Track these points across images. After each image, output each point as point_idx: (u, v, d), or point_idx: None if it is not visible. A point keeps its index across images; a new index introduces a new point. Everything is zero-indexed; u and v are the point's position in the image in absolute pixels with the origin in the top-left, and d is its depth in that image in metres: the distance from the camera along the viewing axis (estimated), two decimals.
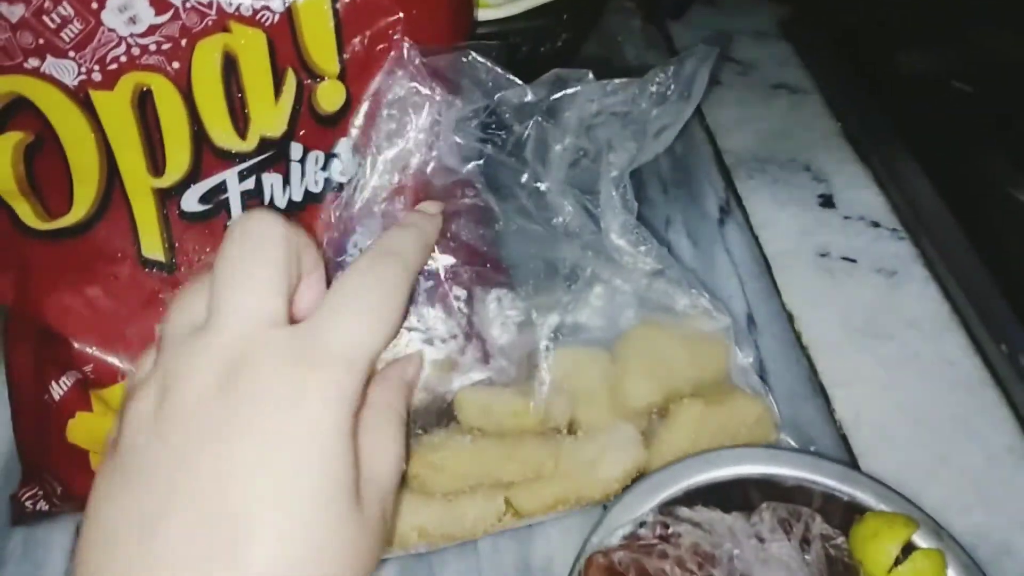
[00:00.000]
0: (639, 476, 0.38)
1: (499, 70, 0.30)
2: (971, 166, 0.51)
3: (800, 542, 0.31)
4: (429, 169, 0.32)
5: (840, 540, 0.32)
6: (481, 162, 0.32)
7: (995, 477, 0.38)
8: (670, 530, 0.31)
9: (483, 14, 0.43)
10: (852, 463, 0.39)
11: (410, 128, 0.32)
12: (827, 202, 0.49)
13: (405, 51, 0.30)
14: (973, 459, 0.39)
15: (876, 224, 0.48)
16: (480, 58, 0.30)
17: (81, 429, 0.33)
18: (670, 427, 0.37)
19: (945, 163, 0.50)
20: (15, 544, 0.37)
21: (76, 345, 0.31)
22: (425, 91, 0.30)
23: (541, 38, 0.45)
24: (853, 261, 0.46)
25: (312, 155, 0.32)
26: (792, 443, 0.38)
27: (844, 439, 0.39)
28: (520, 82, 0.31)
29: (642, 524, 0.33)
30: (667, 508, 0.33)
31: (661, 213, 0.49)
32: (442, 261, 0.34)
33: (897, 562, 0.31)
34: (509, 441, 0.36)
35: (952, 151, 0.51)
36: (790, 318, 0.44)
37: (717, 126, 0.53)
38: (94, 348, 0.32)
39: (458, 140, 0.31)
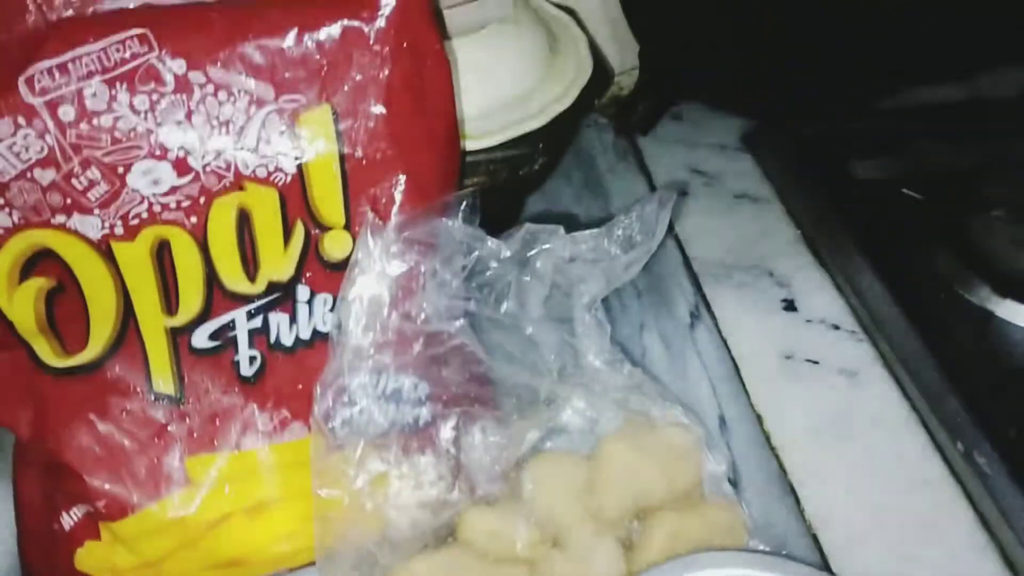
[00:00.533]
0: None
1: (473, 229, 0.34)
2: (923, 268, 0.55)
3: None
4: (412, 325, 0.35)
5: None
6: (464, 318, 0.35)
7: (957, 573, 0.40)
8: None
9: (465, 144, 0.47)
10: (823, 564, 0.41)
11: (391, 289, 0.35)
12: (790, 306, 0.53)
13: (379, 224, 0.34)
14: (937, 556, 0.41)
15: (836, 327, 0.51)
16: (456, 220, 0.33)
17: (90, 558, 0.34)
18: (645, 541, 0.39)
19: (898, 266, 0.54)
20: None
21: (88, 480, 0.33)
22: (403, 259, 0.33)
23: (519, 164, 0.49)
24: (816, 363, 0.49)
25: (320, 297, 0.35)
26: (763, 547, 0.40)
27: (815, 539, 0.42)
28: (494, 241, 0.34)
29: None
30: None
31: (635, 319, 0.52)
32: (433, 409, 0.37)
33: None
34: (491, 571, 0.38)
35: (904, 254, 0.55)
36: (759, 419, 0.46)
37: (685, 235, 0.57)
38: (106, 483, 0.34)
39: (443, 297, 0.34)
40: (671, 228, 0.58)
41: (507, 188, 0.49)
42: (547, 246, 0.33)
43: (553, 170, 0.53)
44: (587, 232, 0.34)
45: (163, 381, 0.34)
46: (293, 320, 0.35)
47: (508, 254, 0.34)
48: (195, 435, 0.34)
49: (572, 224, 0.39)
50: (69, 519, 0.34)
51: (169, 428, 0.34)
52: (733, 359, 0.50)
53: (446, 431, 0.36)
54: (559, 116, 0.49)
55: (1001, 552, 0.41)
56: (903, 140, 0.64)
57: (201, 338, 0.34)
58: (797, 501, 0.43)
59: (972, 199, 0.57)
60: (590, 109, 0.55)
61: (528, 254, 0.34)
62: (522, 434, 0.39)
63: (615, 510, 0.39)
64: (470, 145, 0.46)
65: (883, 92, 0.67)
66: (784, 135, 0.65)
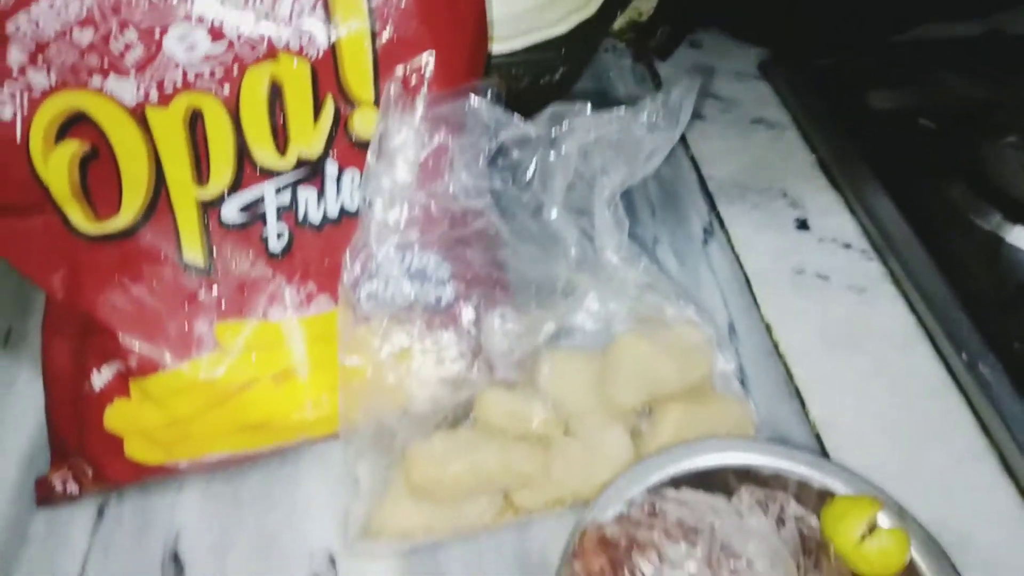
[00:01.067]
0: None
1: (501, 110, 0.34)
2: (935, 194, 0.55)
3: (776, 520, 0.34)
4: (439, 203, 0.36)
5: (812, 521, 0.35)
6: (489, 196, 0.35)
7: (957, 475, 0.42)
8: (657, 508, 0.34)
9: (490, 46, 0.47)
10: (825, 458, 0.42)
11: (420, 164, 0.35)
12: (802, 225, 0.53)
13: (408, 101, 0.34)
14: (937, 459, 0.42)
15: (848, 246, 0.52)
16: (483, 101, 0.34)
17: (118, 415, 0.35)
18: (655, 428, 0.40)
19: (912, 192, 0.54)
20: (39, 525, 0.39)
21: (121, 337, 0.35)
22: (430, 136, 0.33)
23: (541, 71, 0.49)
24: (826, 279, 0.50)
25: (348, 173, 0.35)
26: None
27: (818, 438, 0.43)
28: (520, 120, 0.35)
29: (631, 504, 0.36)
30: (654, 490, 0.36)
31: (650, 233, 0.53)
32: (455, 289, 0.38)
33: (864, 540, 0.34)
34: (503, 450, 0.39)
35: (918, 181, 0.55)
36: (768, 329, 0.47)
37: (701, 156, 0.58)
38: (137, 340, 0.35)
39: (469, 176, 0.35)
40: (687, 148, 0.58)
41: (527, 97, 0.50)
42: (573, 124, 0.34)
43: (573, 83, 0.53)
44: (613, 112, 0.34)
45: (193, 252, 0.35)
46: (321, 196, 0.35)
47: (534, 134, 0.34)
48: (224, 304, 0.35)
49: None
50: (99, 378, 0.35)
51: (199, 295, 0.35)
52: (745, 274, 0.50)
53: (467, 312, 0.37)
54: (581, 25, 0.49)
55: (1000, 457, 0.42)
56: (919, 72, 0.64)
57: (231, 211, 0.35)
58: (803, 405, 0.44)
59: (985, 129, 0.58)
60: (611, 23, 0.55)
61: (554, 133, 0.34)
62: (539, 324, 0.40)
63: (627, 399, 0.40)
64: (494, 48, 0.47)
65: (900, 27, 0.67)
66: (802, 65, 0.65)
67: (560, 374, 0.40)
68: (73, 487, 0.37)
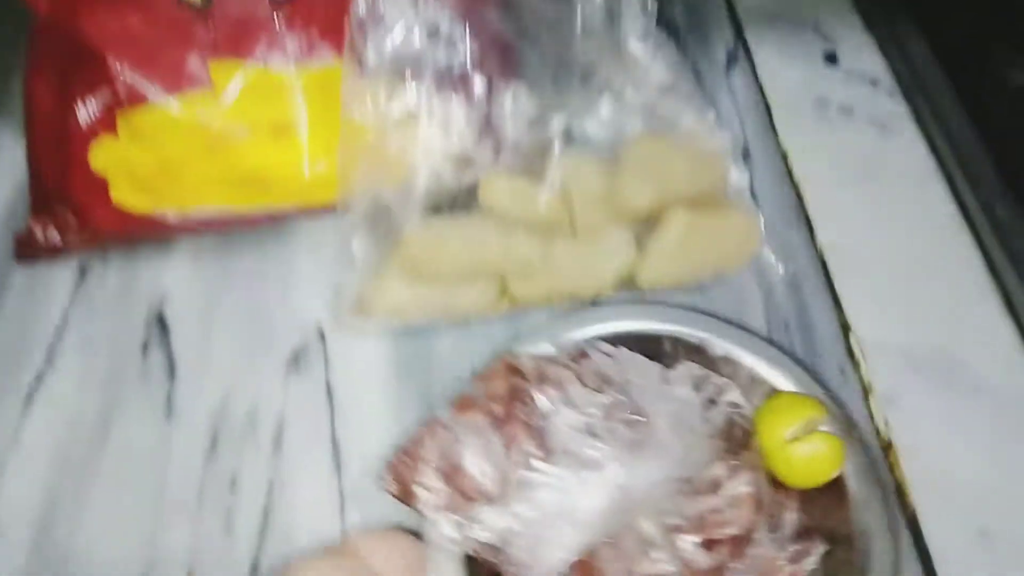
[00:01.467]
0: (629, 279, 0.40)
1: None
2: (973, 45, 0.53)
3: (707, 400, 0.33)
4: None
5: (748, 411, 0.34)
6: None
7: (958, 305, 0.41)
8: (584, 355, 0.33)
9: None
10: (828, 284, 0.41)
11: None
12: (831, 59, 0.51)
13: None
14: (940, 289, 0.42)
15: (875, 82, 0.50)
16: None
17: (105, 154, 0.33)
18: (661, 231, 0.39)
19: (949, 40, 0.51)
20: (18, 278, 0.38)
21: (111, 61, 0.32)
22: None
23: None
24: (849, 113, 0.48)
25: None
26: (773, 258, 0.40)
27: (822, 263, 0.42)
28: None
29: (562, 346, 0.35)
30: (592, 341, 0.35)
31: None
32: (469, 45, 0.35)
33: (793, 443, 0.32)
34: (504, 235, 0.37)
35: (955, 28, 0.52)
36: (784, 156, 0.46)
37: None
38: (128, 67, 0.32)
39: None
40: None
41: None
42: None
43: None
44: None
45: None
46: None
47: None
48: (220, 40, 0.32)
49: None
50: (85, 112, 0.33)
51: (195, 28, 0.32)
52: (766, 101, 0.48)
53: (480, 82, 0.35)
54: None
55: (1004, 296, 0.41)
56: None
57: None
58: (811, 230, 0.43)
59: None
60: None
61: None
62: (551, 112, 0.38)
63: (637, 198, 0.38)
64: None
65: None
66: None
67: (569, 173, 0.38)
68: (55, 236, 0.35)
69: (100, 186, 0.34)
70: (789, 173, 0.45)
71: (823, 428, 0.32)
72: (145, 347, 0.37)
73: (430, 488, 0.30)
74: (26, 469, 0.33)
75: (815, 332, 0.40)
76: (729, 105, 0.48)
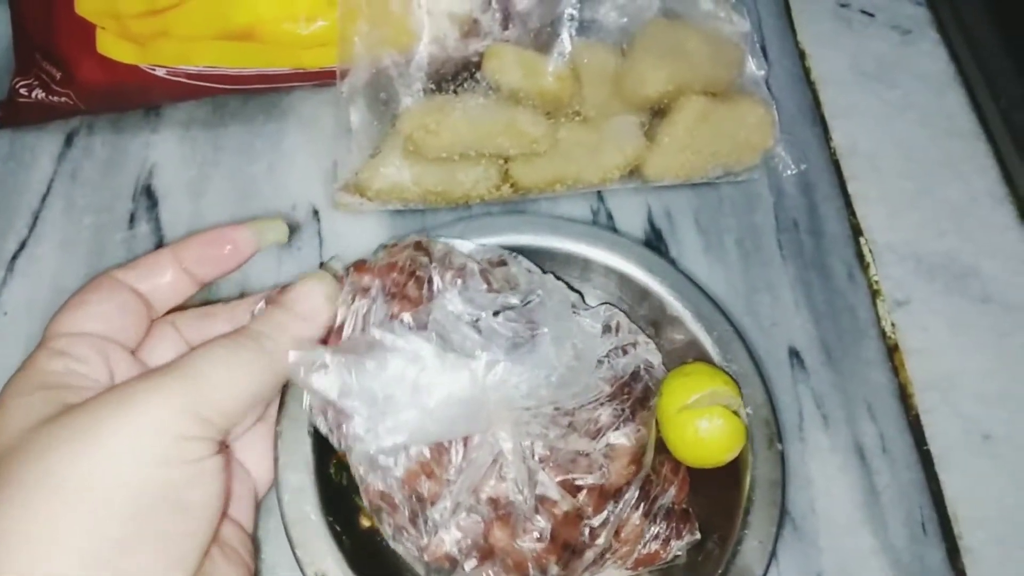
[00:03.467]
0: (636, 168, 0.39)
1: None
2: None
3: (619, 347, 0.31)
4: None
5: (659, 372, 0.32)
6: None
7: (971, 212, 0.40)
8: (501, 262, 0.31)
9: None
10: (840, 186, 0.40)
11: None
12: None
13: None
14: (954, 195, 0.40)
15: None
16: None
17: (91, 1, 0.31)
18: (673, 118, 0.37)
19: None
20: (1, 145, 0.37)
21: None
22: None
23: None
24: (871, 15, 0.46)
25: None
26: (786, 156, 0.39)
27: (836, 164, 0.41)
28: None
29: (485, 250, 0.32)
30: (513, 252, 0.32)
31: None
32: None
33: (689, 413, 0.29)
34: (507, 112, 0.36)
35: None
36: (801, 55, 0.44)
37: None
38: None
39: None
40: None
41: None
42: None
43: None
44: None
45: None
46: None
47: None
48: None
49: None
50: None
51: None
52: None
53: None
54: None
55: (1018, 205, 0.40)
56: None
57: None
58: (825, 131, 0.42)
59: None
60: None
61: None
62: None
63: (652, 82, 0.36)
64: None
65: None
66: None
67: (579, 52, 0.36)
68: (39, 94, 0.34)
69: (87, 34, 0.32)
70: (806, 72, 0.43)
71: (727, 405, 0.29)
72: (132, 218, 0.35)
73: None
74: (7, 333, 0.32)
75: (825, 234, 0.39)
76: (747, 1, 0.46)
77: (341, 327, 0.28)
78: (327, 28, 0.32)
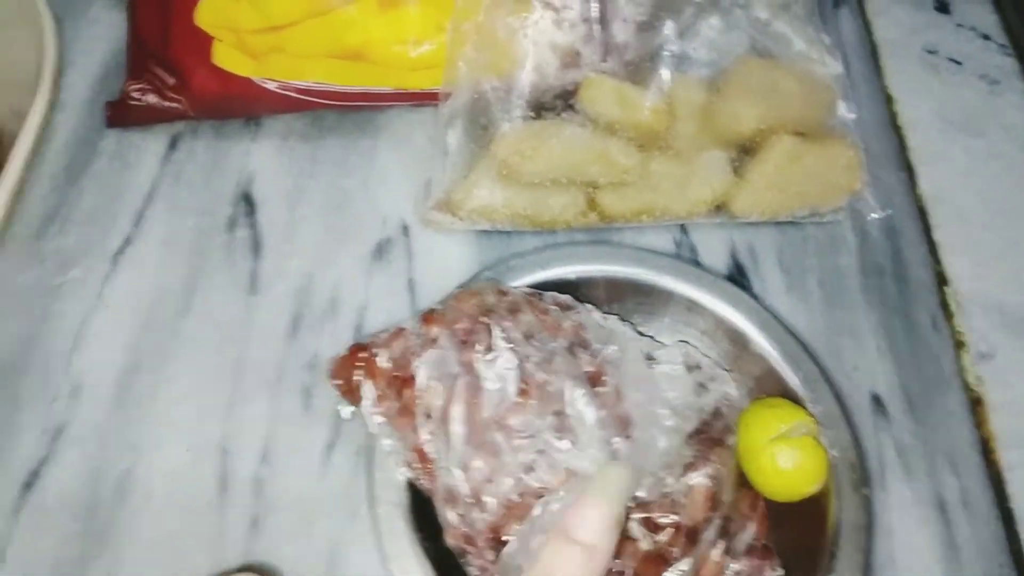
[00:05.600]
0: (722, 204, 0.39)
1: None
2: None
3: (697, 385, 0.31)
4: None
5: (738, 404, 0.32)
6: None
7: None
8: (568, 308, 0.32)
9: None
10: (926, 233, 0.40)
11: None
12: (942, 8, 0.48)
13: None
14: None
15: (986, 37, 0.47)
16: None
17: (211, 10, 0.33)
18: (763, 156, 0.37)
19: None
20: (109, 143, 0.38)
21: None
22: None
23: None
24: (959, 64, 0.46)
25: None
26: (872, 199, 0.39)
27: (921, 211, 0.40)
28: None
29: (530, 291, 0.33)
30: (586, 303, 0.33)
31: None
32: None
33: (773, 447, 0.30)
34: (601, 142, 0.36)
35: None
36: (889, 99, 0.44)
37: None
38: None
39: None
40: None
41: None
42: None
43: None
44: None
45: None
46: None
47: None
48: None
49: None
50: None
51: None
52: (873, 43, 0.46)
53: None
54: None
55: None
56: None
57: None
58: (912, 177, 0.41)
59: None
60: None
61: None
62: (662, 20, 0.36)
63: (743, 118, 0.37)
64: None
65: None
66: None
67: (673, 86, 0.37)
68: (151, 98, 0.35)
69: (202, 46, 0.33)
70: (892, 117, 0.43)
71: (807, 435, 0.29)
72: (231, 222, 0.36)
73: (377, 392, 0.29)
74: (110, 328, 0.33)
75: (909, 280, 0.39)
76: (836, 44, 0.46)
77: (412, 378, 0.29)
78: (434, 52, 0.33)
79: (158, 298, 0.34)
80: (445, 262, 0.36)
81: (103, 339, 0.33)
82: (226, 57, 0.33)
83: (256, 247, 0.36)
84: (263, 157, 0.38)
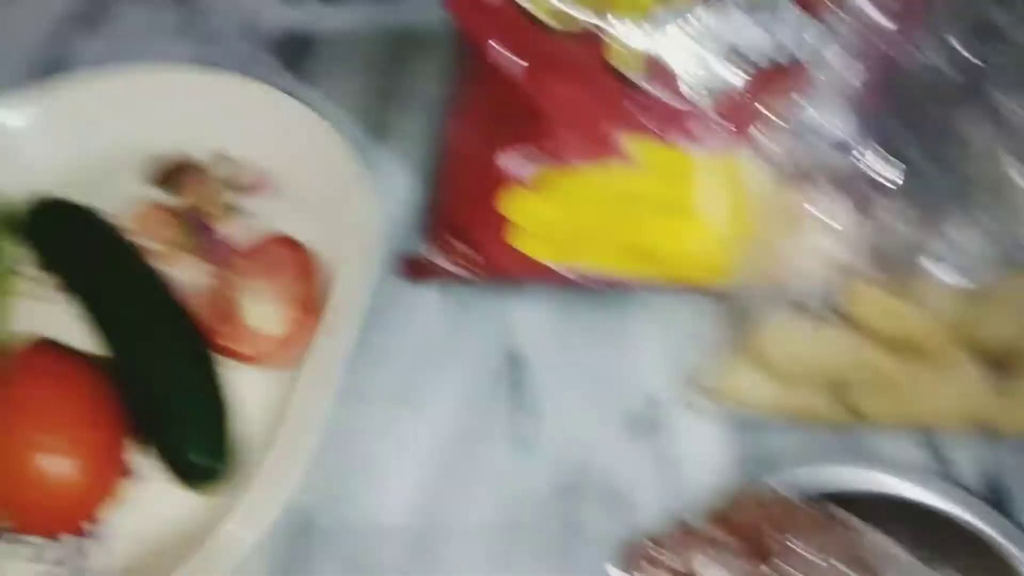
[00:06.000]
0: (986, 422, 0.39)
1: None
2: None
3: None
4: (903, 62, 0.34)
5: None
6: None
7: None
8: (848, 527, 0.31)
9: None
10: None
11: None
12: None
13: None
14: None
15: None
16: None
17: (519, 204, 0.37)
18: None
19: None
20: (387, 288, 0.41)
21: (548, 122, 0.36)
22: None
23: None
24: None
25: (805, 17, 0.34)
26: None
27: None
28: None
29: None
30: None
31: None
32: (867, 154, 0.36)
33: None
34: (864, 346, 0.37)
35: None
36: None
37: None
38: (561, 130, 0.36)
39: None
40: None
41: None
42: None
43: None
44: None
45: (634, 64, 0.36)
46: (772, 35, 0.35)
47: None
48: (643, 116, 0.36)
49: None
50: (507, 157, 0.36)
51: (623, 101, 0.36)
52: None
53: (871, 193, 0.36)
54: None
55: None
56: None
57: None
58: None
59: None
60: None
61: None
62: (926, 231, 0.38)
63: (1000, 338, 0.37)
64: None
65: None
66: None
67: (931, 295, 0.38)
68: (447, 263, 0.39)
69: (499, 223, 0.37)
70: None
71: None
72: (499, 376, 0.39)
73: None
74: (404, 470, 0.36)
75: None
76: None
77: None
78: (719, 257, 0.36)
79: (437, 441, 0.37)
80: (702, 444, 0.38)
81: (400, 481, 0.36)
82: (524, 242, 0.37)
83: (520, 405, 0.38)
84: (527, 317, 0.41)
